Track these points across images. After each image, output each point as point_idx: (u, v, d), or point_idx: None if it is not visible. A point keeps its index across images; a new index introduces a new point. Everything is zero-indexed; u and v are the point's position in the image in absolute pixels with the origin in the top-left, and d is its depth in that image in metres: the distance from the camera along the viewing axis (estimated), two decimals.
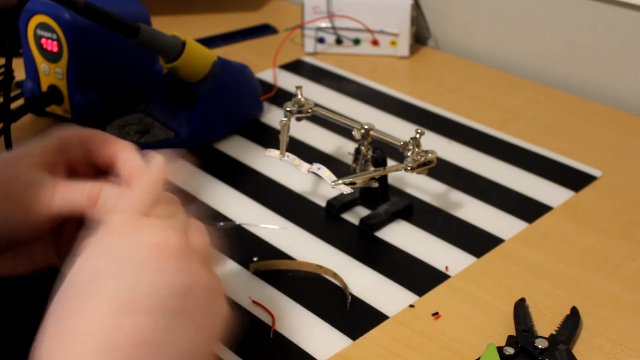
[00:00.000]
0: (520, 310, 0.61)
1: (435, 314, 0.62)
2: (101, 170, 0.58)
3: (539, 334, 0.59)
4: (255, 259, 0.68)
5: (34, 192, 0.54)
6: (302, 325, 0.61)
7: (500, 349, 0.57)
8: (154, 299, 0.43)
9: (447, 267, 0.67)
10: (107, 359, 0.40)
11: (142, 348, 0.42)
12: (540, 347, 0.57)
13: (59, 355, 0.41)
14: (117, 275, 0.44)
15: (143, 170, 0.53)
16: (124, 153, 0.55)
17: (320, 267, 0.66)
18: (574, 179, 0.79)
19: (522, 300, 0.62)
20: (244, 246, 0.70)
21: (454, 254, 0.69)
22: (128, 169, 0.54)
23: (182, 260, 0.46)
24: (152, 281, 0.44)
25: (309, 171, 0.69)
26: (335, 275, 0.65)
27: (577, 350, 0.59)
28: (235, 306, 0.63)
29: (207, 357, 0.45)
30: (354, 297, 0.64)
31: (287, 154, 0.70)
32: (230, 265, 0.68)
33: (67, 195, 0.54)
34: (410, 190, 0.78)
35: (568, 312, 0.62)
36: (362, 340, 0.60)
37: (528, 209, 0.75)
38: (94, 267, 0.45)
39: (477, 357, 0.58)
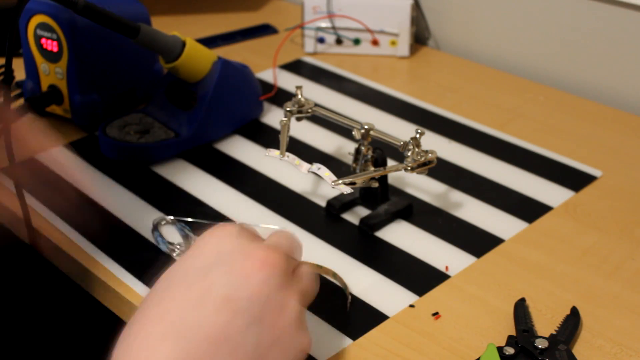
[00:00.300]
0: (520, 310, 0.61)
1: (435, 314, 0.62)
2: None
3: (539, 334, 0.59)
4: None
5: None
6: None
7: (500, 349, 0.57)
8: (252, 305, 0.46)
9: (447, 267, 0.67)
10: (183, 344, 0.43)
11: (223, 344, 0.44)
12: (540, 347, 0.57)
13: (139, 335, 0.44)
14: (226, 272, 0.47)
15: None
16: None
17: (320, 267, 0.66)
18: (574, 179, 0.79)
19: (522, 300, 0.62)
20: None
21: (454, 253, 0.69)
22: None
23: (284, 282, 0.49)
24: (255, 289, 0.47)
25: (309, 171, 0.69)
26: (335, 275, 0.65)
27: (577, 350, 0.59)
28: None
29: None
30: (354, 297, 0.64)
31: (287, 154, 0.70)
32: None
33: None
34: (410, 190, 0.78)
35: (568, 312, 0.62)
36: (362, 340, 0.60)
37: (528, 209, 0.75)
38: (206, 261, 0.48)
39: (477, 357, 0.58)
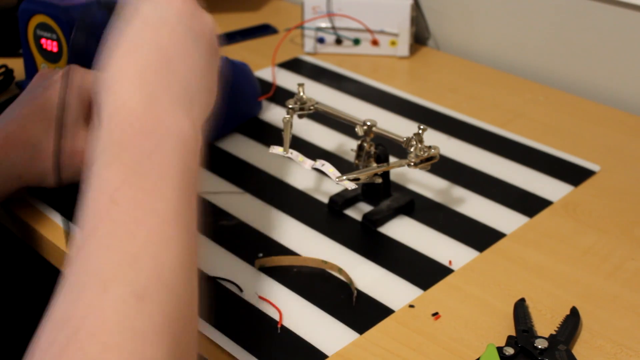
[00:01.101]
0: (520, 310, 0.61)
1: (435, 314, 0.62)
2: None
3: (539, 334, 0.59)
4: (260, 255, 0.68)
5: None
6: (309, 320, 0.62)
7: (500, 349, 0.57)
8: (183, 21, 0.54)
9: (450, 262, 0.68)
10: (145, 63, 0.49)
11: (171, 59, 0.51)
12: (540, 347, 0.57)
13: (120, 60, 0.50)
14: (190, 39, 0.53)
15: None
16: None
17: (325, 262, 0.66)
18: (573, 174, 0.80)
19: (522, 300, 0.62)
20: (248, 242, 0.70)
21: (457, 248, 0.69)
22: None
23: (199, 16, 0.56)
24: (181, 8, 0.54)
25: (312, 167, 0.69)
26: (340, 271, 0.66)
27: (577, 350, 0.59)
28: (243, 302, 0.63)
29: (212, 88, 0.57)
30: (359, 292, 0.64)
31: (291, 150, 0.70)
32: (236, 262, 0.68)
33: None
34: (412, 186, 0.78)
35: (568, 312, 0.62)
36: (361, 340, 0.60)
37: (528, 204, 0.75)
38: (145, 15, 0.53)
39: (477, 357, 0.58)
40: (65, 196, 0.69)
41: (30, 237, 0.73)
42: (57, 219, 0.72)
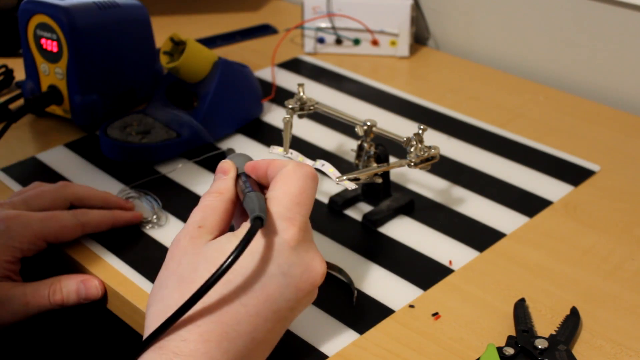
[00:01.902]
0: (520, 310, 0.61)
1: (435, 314, 0.62)
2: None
3: (539, 334, 0.59)
4: None
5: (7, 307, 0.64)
6: (309, 320, 0.62)
7: (500, 349, 0.57)
8: (290, 315, 0.53)
9: (450, 262, 0.68)
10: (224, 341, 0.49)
11: (254, 343, 0.51)
12: (540, 347, 0.57)
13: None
14: (282, 287, 0.52)
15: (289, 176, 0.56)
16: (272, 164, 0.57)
17: (325, 262, 0.66)
18: (573, 174, 0.80)
19: (522, 300, 0.63)
20: None
21: (457, 248, 0.70)
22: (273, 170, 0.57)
23: (307, 265, 0.54)
24: (300, 302, 0.53)
25: (312, 168, 0.69)
26: (341, 271, 0.66)
27: (577, 350, 0.59)
28: None
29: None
30: (359, 292, 0.64)
31: (291, 150, 0.70)
32: None
33: (36, 299, 0.65)
34: (412, 186, 0.78)
35: (568, 312, 0.62)
36: (361, 340, 0.60)
37: (528, 204, 0.75)
38: (268, 271, 0.51)
39: (477, 357, 0.58)
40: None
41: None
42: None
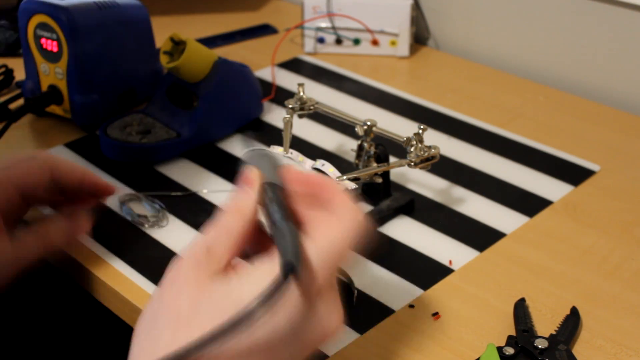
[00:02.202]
0: (520, 310, 0.61)
1: (435, 314, 0.62)
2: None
3: (539, 334, 0.59)
4: None
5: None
6: None
7: (500, 349, 0.57)
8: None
9: (450, 261, 0.68)
10: None
11: None
12: (540, 347, 0.57)
13: None
14: (292, 346, 0.44)
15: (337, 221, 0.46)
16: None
17: None
18: (573, 174, 0.80)
19: (522, 300, 0.63)
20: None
21: (457, 248, 0.70)
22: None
23: (321, 319, 0.46)
24: (307, 354, 0.46)
25: (312, 167, 0.69)
26: (340, 271, 0.66)
27: (577, 350, 0.59)
28: None
29: None
30: (359, 292, 0.64)
31: (291, 150, 0.70)
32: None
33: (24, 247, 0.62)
34: (412, 186, 0.78)
35: (568, 312, 0.62)
36: (362, 340, 0.60)
37: (528, 204, 0.75)
38: (275, 323, 0.43)
39: (477, 357, 0.58)
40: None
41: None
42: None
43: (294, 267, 0.42)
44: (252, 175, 0.49)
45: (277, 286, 0.42)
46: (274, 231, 0.45)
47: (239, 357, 0.43)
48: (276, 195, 0.47)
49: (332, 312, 0.46)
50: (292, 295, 0.43)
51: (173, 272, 0.45)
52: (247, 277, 0.44)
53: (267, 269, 0.44)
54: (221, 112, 0.85)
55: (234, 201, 0.48)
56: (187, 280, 0.44)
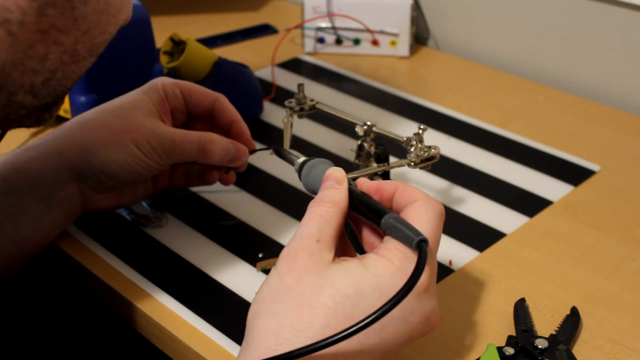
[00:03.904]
0: (520, 310, 0.61)
1: None
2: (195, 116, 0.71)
3: (539, 334, 0.59)
4: (260, 255, 0.68)
5: (155, 140, 0.65)
6: None
7: (500, 349, 0.57)
8: (394, 354, 0.49)
9: (450, 262, 0.68)
10: None
11: None
12: (540, 347, 0.57)
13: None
14: (399, 331, 0.49)
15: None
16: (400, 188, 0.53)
17: None
18: (573, 174, 0.80)
19: (522, 300, 0.63)
20: (249, 243, 0.70)
21: (457, 248, 0.70)
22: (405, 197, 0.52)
23: (424, 308, 0.50)
24: (408, 342, 0.50)
25: None
26: None
27: (577, 350, 0.59)
28: (244, 303, 0.63)
29: None
30: None
31: (291, 150, 0.70)
32: (236, 262, 0.68)
33: (183, 145, 0.66)
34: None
35: (568, 312, 0.62)
36: None
37: (528, 204, 0.75)
38: (390, 313, 0.46)
39: (477, 357, 0.58)
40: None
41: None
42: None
43: (426, 240, 0.47)
44: (339, 174, 0.53)
45: (422, 257, 0.46)
46: (385, 224, 0.49)
47: (357, 337, 0.46)
48: (363, 193, 0.53)
49: (434, 308, 0.50)
50: (399, 281, 0.47)
51: (289, 260, 0.49)
52: (361, 266, 0.48)
53: (393, 253, 0.48)
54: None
55: (327, 195, 0.52)
56: (306, 267, 0.48)
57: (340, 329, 0.45)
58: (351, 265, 0.48)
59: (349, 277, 0.48)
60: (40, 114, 0.49)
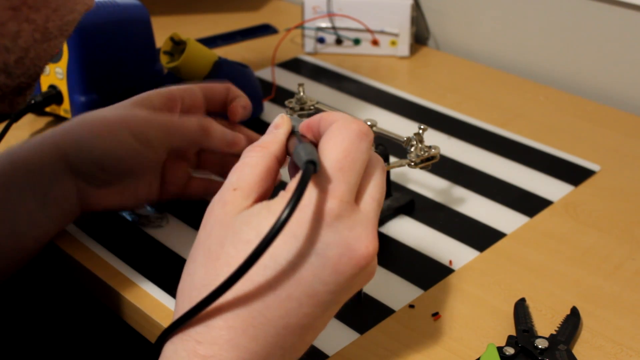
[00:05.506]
0: (521, 310, 0.61)
1: (435, 314, 0.62)
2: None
3: (539, 334, 0.59)
4: None
5: (151, 126, 0.64)
6: None
7: (500, 349, 0.57)
8: (334, 298, 0.46)
9: (450, 262, 0.68)
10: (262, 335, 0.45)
11: (288, 330, 0.45)
12: (540, 347, 0.57)
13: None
14: (317, 268, 0.45)
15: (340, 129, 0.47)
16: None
17: None
18: (573, 174, 0.80)
19: (522, 300, 0.63)
20: None
21: (457, 248, 0.70)
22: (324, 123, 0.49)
23: (366, 269, 0.47)
24: (343, 286, 0.46)
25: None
26: None
27: (577, 350, 0.59)
28: None
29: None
30: (358, 292, 0.64)
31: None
32: None
33: (183, 126, 0.64)
34: (412, 186, 0.78)
35: (568, 312, 0.62)
36: (362, 340, 0.60)
37: (528, 204, 0.75)
38: (298, 250, 0.44)
39: (477, 357, 0.58)
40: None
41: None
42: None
43: (314, 162, 0.43)
44: (278, 120, 0.51)
45: (302, 181, 0.42)
46: (294, 153, 0.46)
47: (266, 282, 0.44)
48: (297, 132, 0.49)
49: (358, 236, 0.45)
50: (302, 214, 0.44)
51: (205, 216, 0.48)
52: (264, 207, 0.45)
53: (286, 195, 0.45)
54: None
55: (259, 141, 0.50)
56: (216, 219, 0.47)
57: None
58: (257, 209, 0.46)
59: (253, 221, 0.45)
60: (14, 97, 0.49)
